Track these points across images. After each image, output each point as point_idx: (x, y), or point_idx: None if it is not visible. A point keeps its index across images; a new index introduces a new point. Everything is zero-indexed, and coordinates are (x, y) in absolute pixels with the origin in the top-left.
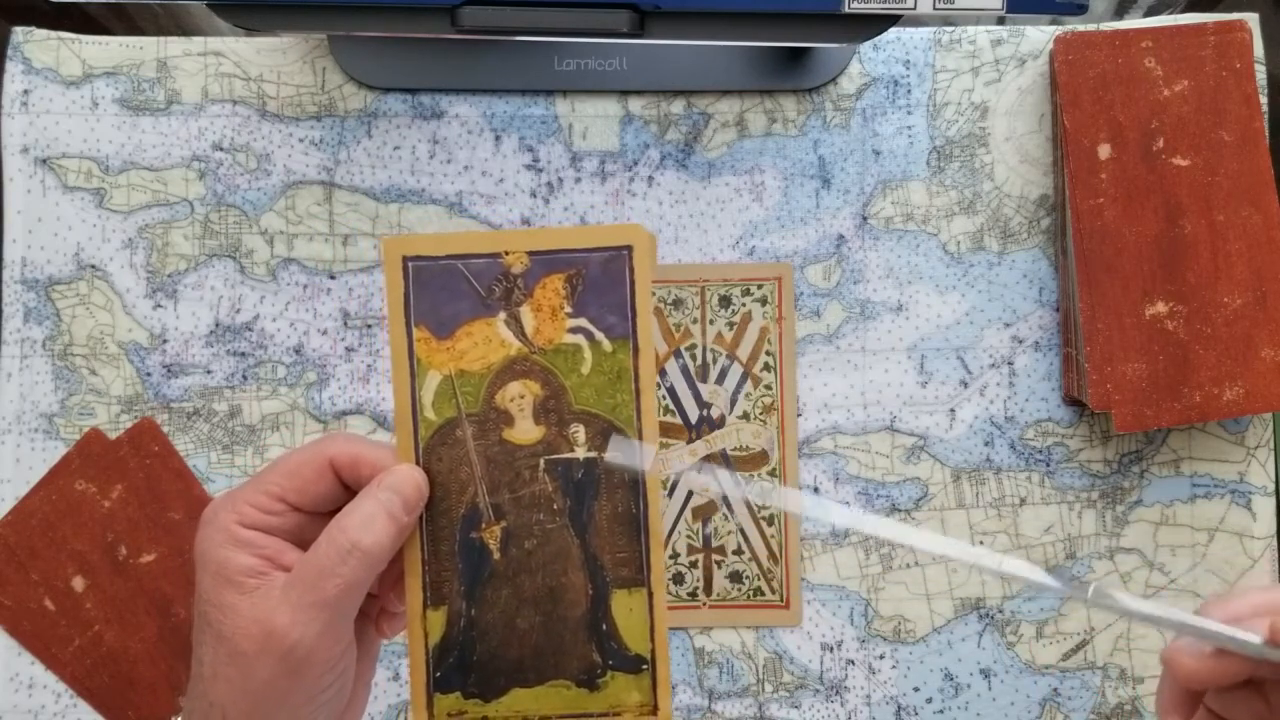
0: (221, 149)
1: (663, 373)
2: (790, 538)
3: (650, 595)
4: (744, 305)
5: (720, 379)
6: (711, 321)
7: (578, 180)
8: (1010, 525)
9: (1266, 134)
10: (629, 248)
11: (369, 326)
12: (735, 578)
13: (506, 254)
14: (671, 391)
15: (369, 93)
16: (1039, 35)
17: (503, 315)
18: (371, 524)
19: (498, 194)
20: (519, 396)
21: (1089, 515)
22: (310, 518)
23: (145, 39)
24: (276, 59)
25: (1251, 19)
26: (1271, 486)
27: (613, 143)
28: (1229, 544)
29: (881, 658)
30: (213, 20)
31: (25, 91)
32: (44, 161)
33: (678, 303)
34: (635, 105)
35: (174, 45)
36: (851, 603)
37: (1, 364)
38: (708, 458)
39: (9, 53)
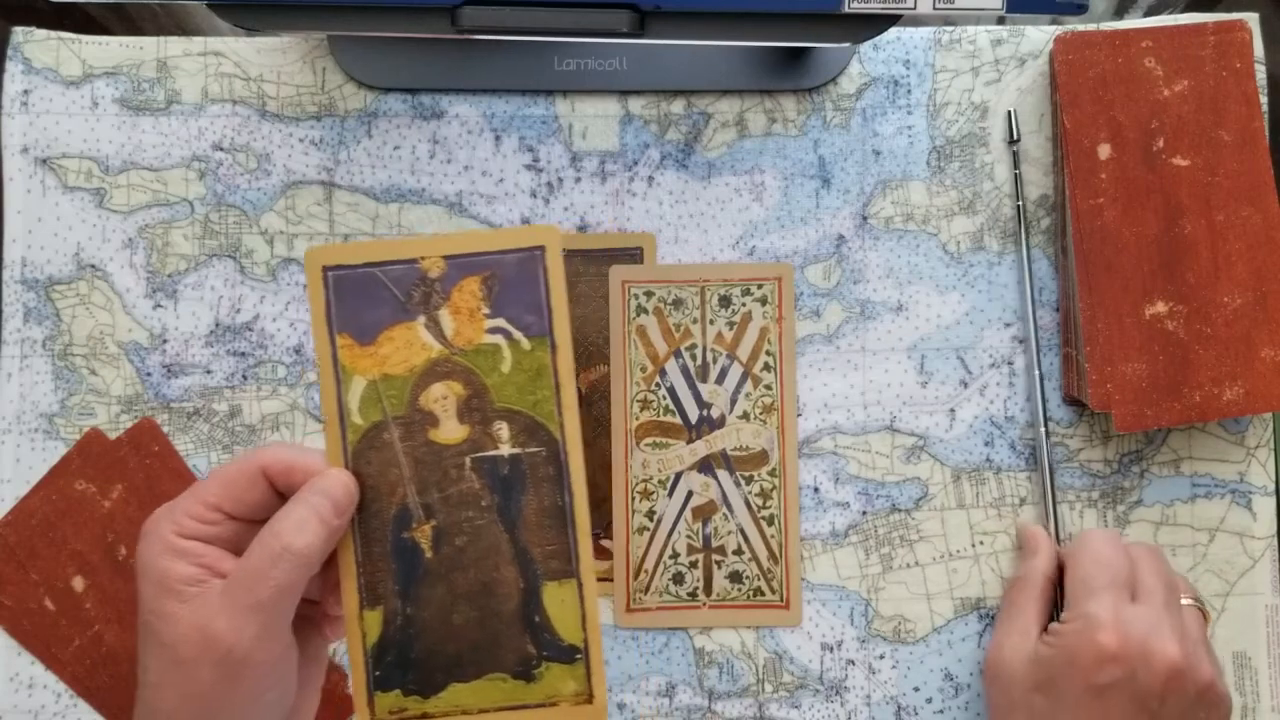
0: (221, 149)
1: (662, 372)
2: (790, 538)
3: (580, 585)
4: (744, 305)
5: (720, 379)
6: (711, 321)
7: (578, 180)
8: (1010, 525)
9: (1266, 134)
10: (541, 248)
11: None
12: (735, 578)
13: (423, 259)
14: (671, 391)
15: (369, 93)
16: (1039, 35)
17: (422, 319)
18: (303, 527)
19: (498, 194)
20: (442, 397)
21: (1089, 515)
22: (247, 526)
23: (145, 39)
24: (276, 59)
25: (1251, 19)
26: (1272, 486)
27: (613, 143)
28: (1229, 544)
29: (881, 658)
30: (213, 20)
31: (25, 91)
32: (44, 161)
33: (678, 303)
34: (635, 105)
35: (174, 45)
36: (851, 603)
37: (1, 364)
38: (708, 458)
39: (9, 53)
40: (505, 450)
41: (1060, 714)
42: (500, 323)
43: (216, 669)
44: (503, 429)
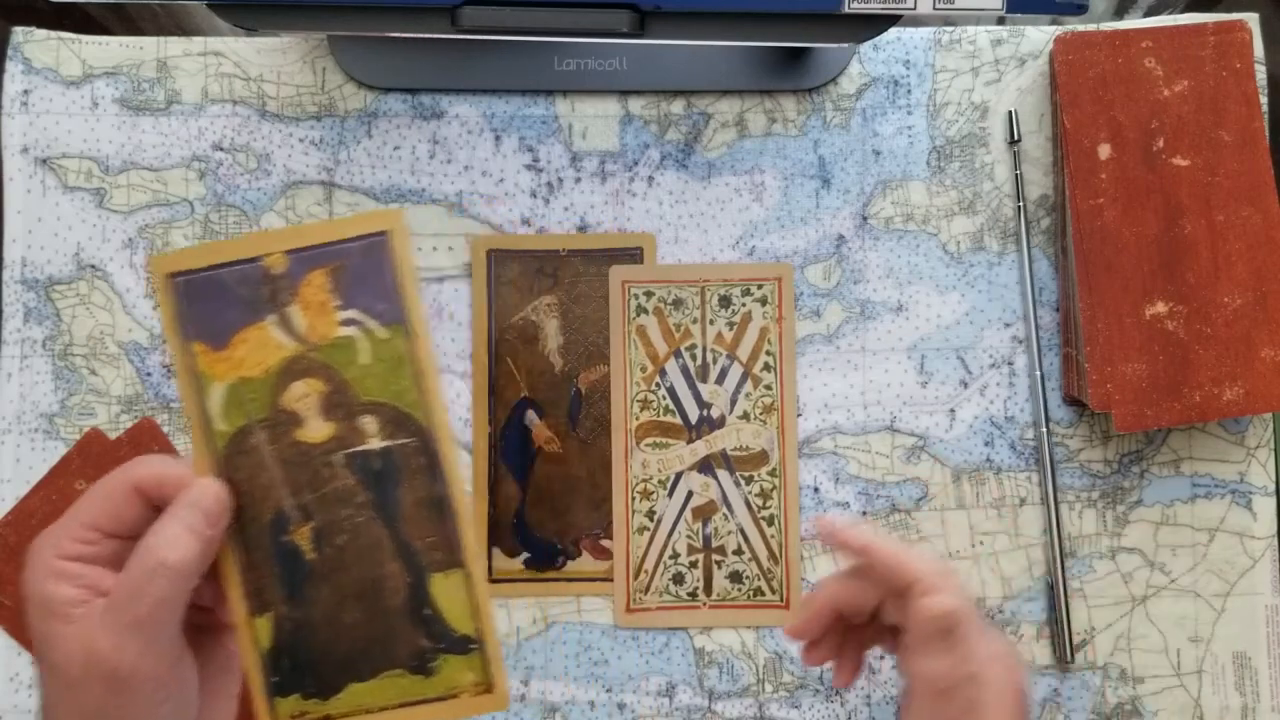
0: (221, 149)
1: (663, 372)
2: (790, 538)
3: (468, 575)
4: (744, 305)
5: (720, 379)
6: (711, 321)
7: (578, 180)
8: (1010, 525)
9: (1266, 134)
10: (386, 232)
11: None
12: (735, 578)
13: (265, 257)
14: (671, 391)
15: (369, 92)
16: (1039, 35)
17: (273, 317)
18: (176, 541)
19: (498, 194)
20: (304, 396)
21: (1089, 515)
22: (126, 542)
23: (145, 39)
24: (276, 59)
25: (1251, 19)
26: (1271, 486)
27: (613, 143)
28: (1229, 544)
29: (882, 658)
30: (213, 20)
31: (25, 91)
32: (44, 161)
33: (678, 303)
34: (635, 105)
35: (174, 45)
36: None
37: (2, 364)
38: (708, 458)
39: (9, 53)
40: (375, 444)
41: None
42: (353, 314)
43: (104, 686)
44: (370, 422)
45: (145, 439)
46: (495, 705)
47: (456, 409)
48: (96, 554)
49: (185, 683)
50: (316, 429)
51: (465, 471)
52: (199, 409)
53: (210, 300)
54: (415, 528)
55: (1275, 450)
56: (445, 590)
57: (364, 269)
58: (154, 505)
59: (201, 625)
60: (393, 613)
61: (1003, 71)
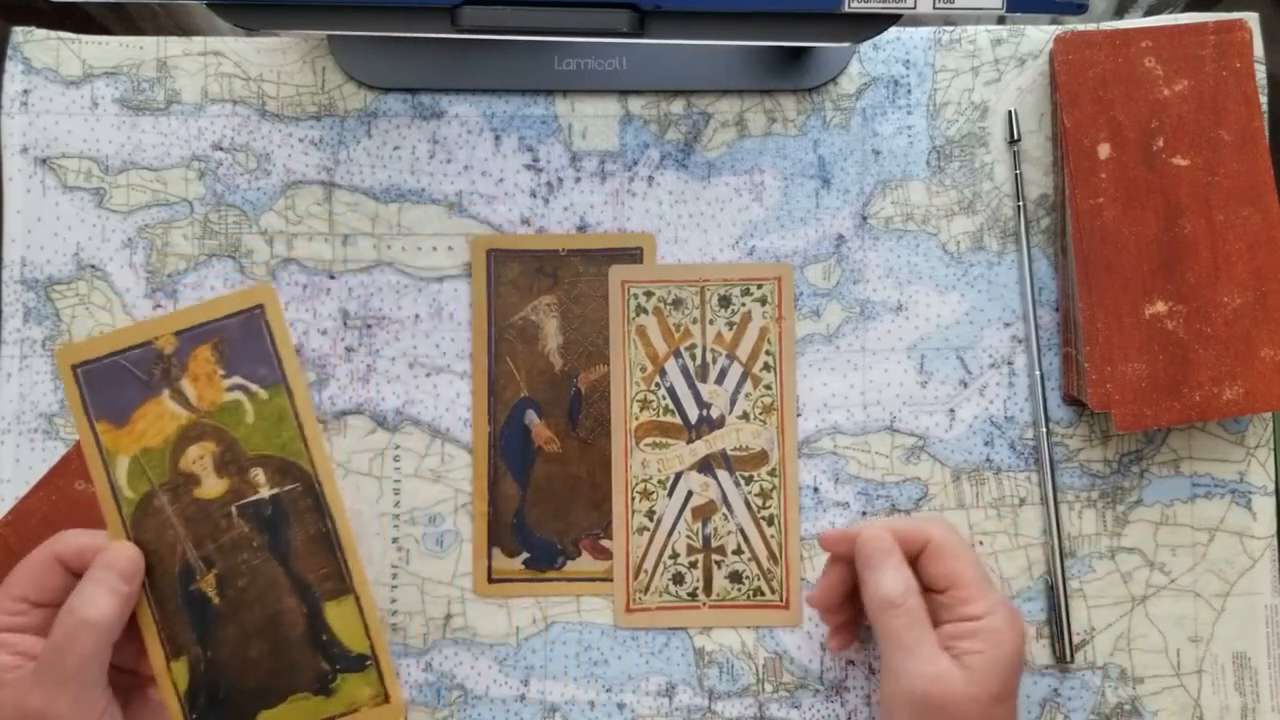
0: (221, 149)
1: (662, 372)
2: (790, 538)
3: (357, 599)
4: (744, 305)
5: (720, 379)
6: (711, 321)
7: (577, 180)
8: (1010, 525)
9: (1266, 134)
10: (260, 306)
11: (369, 327)
12: (735, 578)
13: (156, 339)
14: (671, 391)
15: (369, 92)
16: (1039, 35)
17: (167, 392)
18: (95, 600)
19: (498, 194)
20: (199, 457)
21: (1089, 515)
22: (52, 611)
23: (145, 39)
24: (276, 59)
25: (1251, 18)
26: (1271, 486)
27: (612, 142)
28: (1229, 544)
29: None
30: (213, 20)
31: (25, 91)
32: (44, 161)
33: (677, 302)
34: (635, 105)
35: (174, 45)
36: None
37: (1, 364)
38: (708, 458)
39: (9, 52)
40: (265, 493)
41: (1016, 710)
42: (236, 380)
43: None
44: (259, 474)
45: None
46: (393, 714)
47: (456, 409)
48: (25, 624)
49: None
50: (212, 486)
51: (464, 472)
52: (106, 481)
53: (111, 384)
54: (307, 562)
55: (1275, 450)
56: (339, 615)
57: (244, 340)
58: (74, 573)
59: (124, 684)
60: (293, 642)
61: (1003, 71)
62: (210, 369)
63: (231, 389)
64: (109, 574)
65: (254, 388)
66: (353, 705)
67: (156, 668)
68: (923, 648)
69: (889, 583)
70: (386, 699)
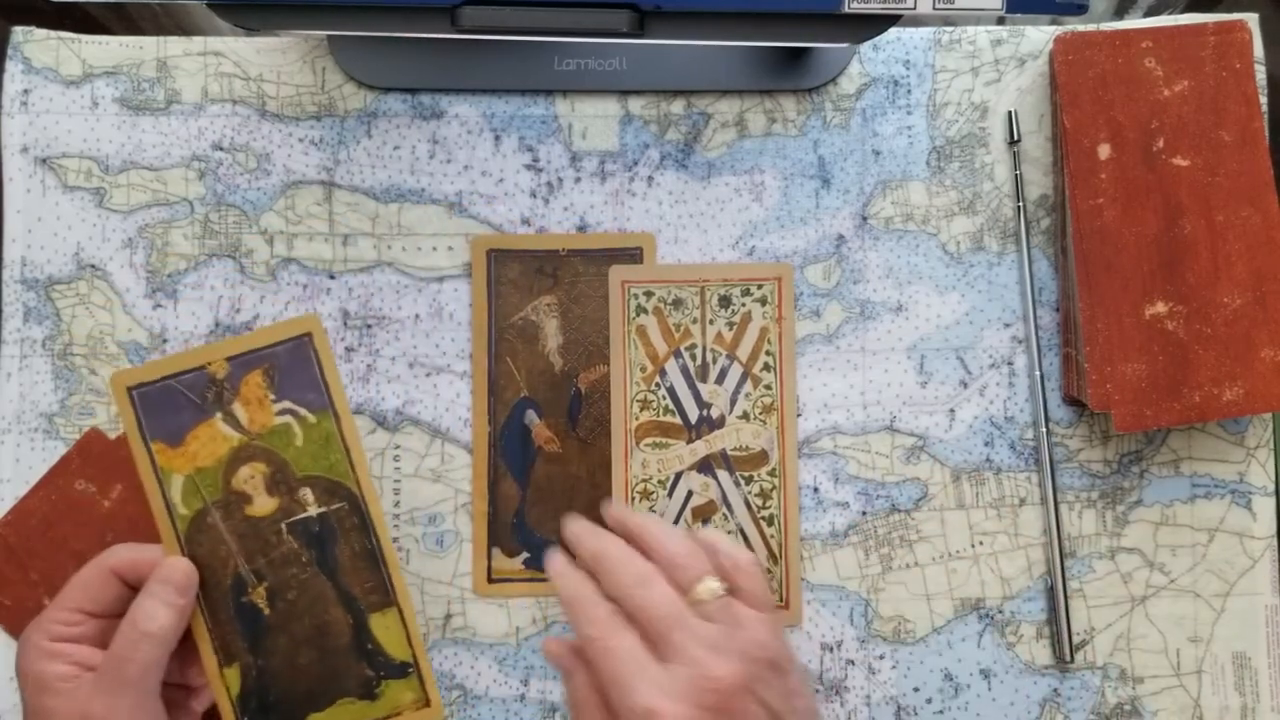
0: (221, 149)
1: (662, 372)
2: (790, 538)
3: (400, 611)
4: (744, 305)
5: (720, 379)
6: (711, 321)
7: (577, 180)
8: (1010, 525)
9: (1266, 134)
10: (309, 334)
11: (369, 327)
12: None
13: (209, 365)
14: (671, 391)
15: (369, 92)
16: (1039, 35)
17: (219, 415)
18: (154, 614)
19: (497, 194)
20: (250, 477)
21: (1089, 515)
22: (110, 621)
23: (145, 39)
24: (276, 59)
25: (1251, 19)
26: (1271, 486)
27: (612, 143)
28: (1229, 544)
29: (881, 658)
30: (213, 20)
31: (25, 91)
32: (44, 161)
33: (677, 303)
34: (635, 105)
35: (174, 45)
36: (851, 603)
37: (1, 364)
38: (708, 458)
39: (9, 52)
40: (313, 511)
41: None
42: (286, 404)
43: None
44: (307, 494)
45: None
46: (433, 716)
47: (456, 409)
48: (82, 634)
49: None
50: (263, 504)
51: (464, 472)
52: (161, 499)
53: (166, 406)
54: (353, 577)
55: (1275, 450)
56: (383, 626)
57: (292, 366)
58: (130, 585)
59: (169, 697)
60: (340, 651)
61: (1003, 71)
62: (261, 394)
63: (281, 413)
64: (165, 589)
65: (303, 412)
66: (395, 709)
67: (210, 674)
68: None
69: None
70: (427, 703)
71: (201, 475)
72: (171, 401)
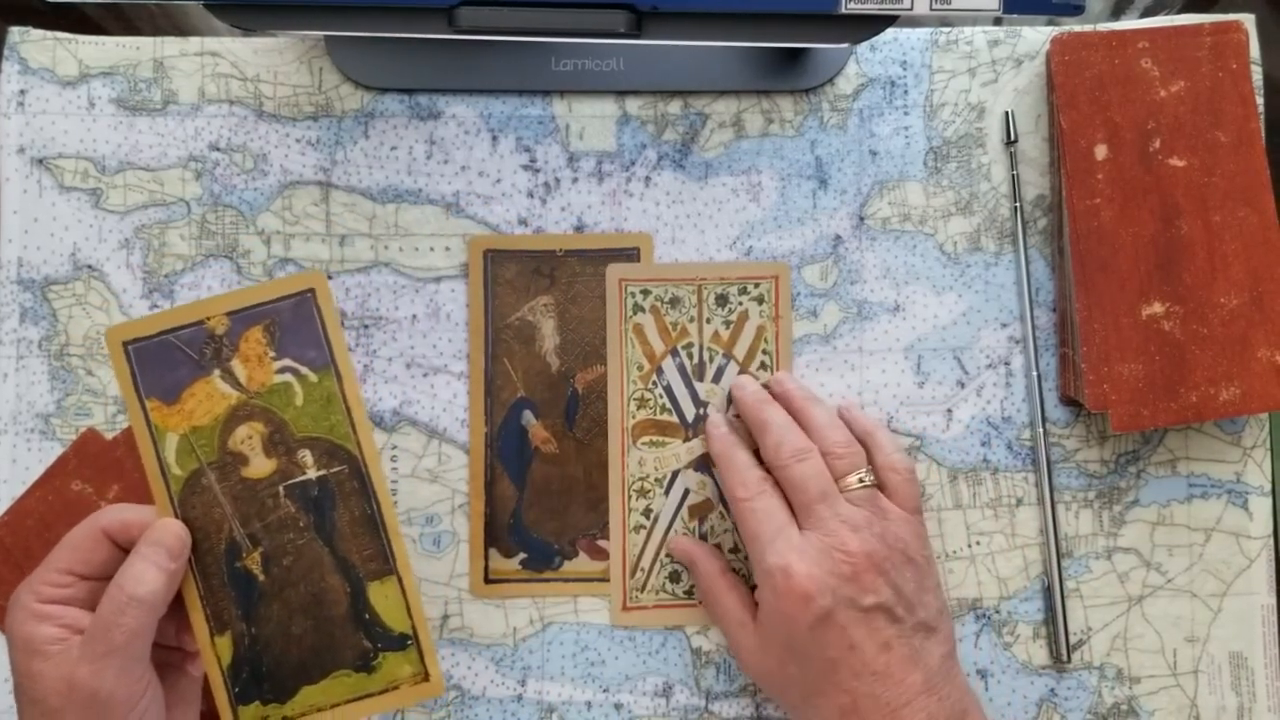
0: (218, 149)
1: (659, 371)
2: None
3: (400, 580)
4: (741, 304)
5: (717, 378)
6: (708, 320)
7: (575, 180)
8: (1007, 525)
9: (1263, 135)
10: (311, 290)
11: (366, 327)
12: None
13: (208, 319)
14: (668, 390)
15: (366, 93)
16: (1035, 36)
17: (217, 372)
18: (143, 577)
19: (495, 194)
20: (248, 437)
21: (1086, 515)
22: (98, 584)
23: (142, 39)
24: (273, 59)
25: (1248, 20)
26: (1268, 486)
27: (610, 143)
28: (1226, 544)
29: None
30: (209, 20)
31: (21, 91)
32: (40, 161)
33: (674, 301)
34: (632, 106)
35: (170, 45)
36: None
37: None
38: (704, 456)
39: (5, 53)
40: (312, 474)
41: (813, 666)
42: (287, 362)
43: (84, 712)
44: (306, 456)
45: None
46: (432, 691)
47: (453, 409)
48: (71, 596)
49: (155, 709)
50: (260, 466)
51: (460, 473)
52: (155, 458)
53: (161, 361)
54: (351, 543)
55: (1271, 450)
56: (381, 595)
57: (294, 323)
58: (121, 547)
59: (163, 660)
60: (336, 621)
61: (999, 72)
62: (261, 350)
63: (281, 371)
64: (157, 551)
65: (303, 370)
66: (393, 683)
67: (201, 642)
68: (728, 622)
69: (696, 576)
70: (427, 677)
71: (197, 434)
72: (168, 357)
